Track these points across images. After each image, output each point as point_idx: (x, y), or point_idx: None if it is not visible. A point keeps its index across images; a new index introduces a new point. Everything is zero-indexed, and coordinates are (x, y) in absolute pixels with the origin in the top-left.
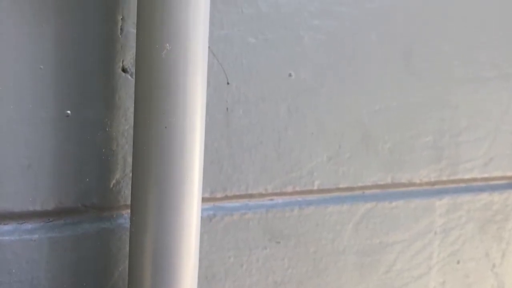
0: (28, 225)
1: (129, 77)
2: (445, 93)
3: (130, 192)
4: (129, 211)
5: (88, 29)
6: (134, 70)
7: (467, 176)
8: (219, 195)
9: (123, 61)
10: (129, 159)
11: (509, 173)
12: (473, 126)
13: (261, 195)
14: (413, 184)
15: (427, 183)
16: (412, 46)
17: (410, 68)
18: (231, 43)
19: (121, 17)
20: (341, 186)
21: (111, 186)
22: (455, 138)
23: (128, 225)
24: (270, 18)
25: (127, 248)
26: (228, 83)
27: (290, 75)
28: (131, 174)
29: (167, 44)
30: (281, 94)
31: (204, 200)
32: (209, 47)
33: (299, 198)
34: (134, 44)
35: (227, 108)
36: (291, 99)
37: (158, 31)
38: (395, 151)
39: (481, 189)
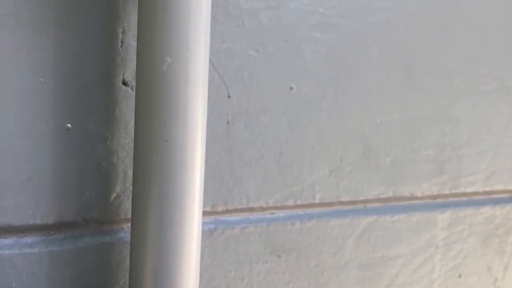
0: (28, 239)
1: (130, 90)
2: (446, 106)
3: (130, 205)
4: (129, 224)
5: (89, 42)
6: (134, 83)
7: (469, 190)
8: (220, 208)
9: (123, 74)
10: (130, 173)
11: (511, 187)
12: (475, 140)
13: (262, 209)
14: (415, 198)
15: (429, 197)
16: (414, 59)
17: (411, 81)
18: (232, 55)
19: (122, 30)
20: (342, 199)
21: (112, 199)
22: (456, 152)
23: (128, 239)
24: (271, 31)
25: (128, 262)
26: (229, 96)
27: (291, 88)
28: (131, 188)
29: (168, 57)
30: (282, 107)
31: (205, 213)
32: (210, 60)
33: (300, 211)
34: (134, 57)
35: (228, 121)
36: (292, 112)
37: (158, 44)
38: (397, 164)
39: (483, 203)
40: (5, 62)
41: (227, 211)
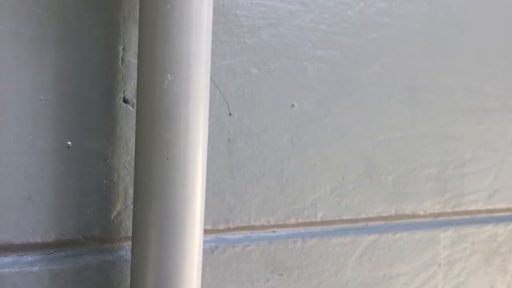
0: (29, 257)
1: (130, 107)
2: (449, 124)
3: (131, 224)
4: (130, 243)
5: (89, 60)
6: (135, 101)
7: (471, 208)
8: (221, 226)
9: (124, 92)
10: (130, 191)
11: None
12: (478, 158)
13: (263, 227)
14: (417, 216)
15: (431, 215)
16: (416, 77)
17: (414, 99)
18: (233, 73)
19: (122, 48)
20: (344, 217)
21: (112, 218)
22: (459, 170)
23: (129, 257)
24: (272, 48)
25: (129, 281)
26: (230, 114)
27: (292, 105)
28: (132, 206)
29: (169, 75)
30: (283, 124)
31: (206, 231)
32: (211, 77)
33: (302, 230)
34: (135, 75)
35: (229, 139)
36: (294, 130)
37: (159, 62)
38: (399, 182)
39: (485, 221)
40: (6, 79)
41: (229, 229)
